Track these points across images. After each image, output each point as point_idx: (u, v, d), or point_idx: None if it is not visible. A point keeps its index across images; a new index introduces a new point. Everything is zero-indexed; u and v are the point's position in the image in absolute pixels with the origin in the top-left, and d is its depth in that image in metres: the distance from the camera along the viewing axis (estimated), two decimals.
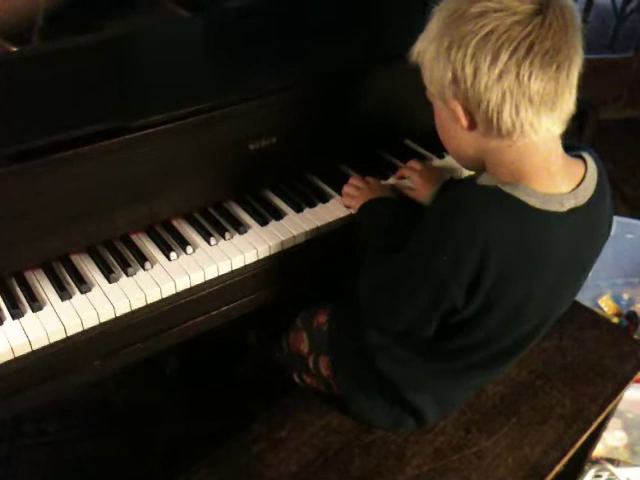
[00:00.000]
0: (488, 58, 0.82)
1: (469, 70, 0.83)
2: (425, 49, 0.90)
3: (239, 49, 1.33)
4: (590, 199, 0.93)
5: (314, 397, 1.26)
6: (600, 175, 0.97)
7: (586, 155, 0.97)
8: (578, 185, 0.93)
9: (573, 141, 0.99)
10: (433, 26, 0.88)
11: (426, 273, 0.93)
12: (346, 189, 1.26)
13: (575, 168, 0.95)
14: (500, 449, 1.19)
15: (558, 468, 1.19)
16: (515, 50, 0.81)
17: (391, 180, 1.34)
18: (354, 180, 1.27)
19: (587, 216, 0.94)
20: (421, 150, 1.43)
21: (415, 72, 0.94)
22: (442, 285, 0.92)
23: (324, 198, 1.29)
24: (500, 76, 0.82)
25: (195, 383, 1.53)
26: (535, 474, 1.16)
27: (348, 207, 1.25)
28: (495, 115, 0.85)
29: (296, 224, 1.22)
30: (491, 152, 0.91)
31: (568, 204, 0.91)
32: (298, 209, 1.25)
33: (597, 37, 3.45)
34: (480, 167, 0.96)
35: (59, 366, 1.04)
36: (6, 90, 1.16)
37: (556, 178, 0.91)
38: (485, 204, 0.89)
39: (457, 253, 0.89)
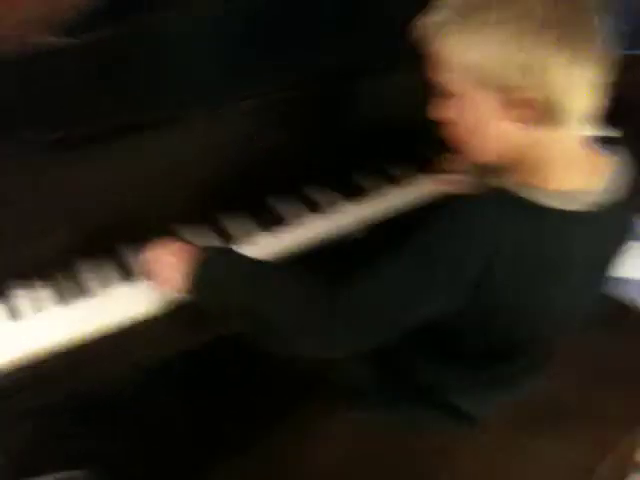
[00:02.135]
0: (554, 46, 0.79)
1: (538, 58, 0.80)
2: (467, 30, 0.83)
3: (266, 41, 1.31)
4: (616, 197, 0.91)
5: (351, 393, 1.25)
6: (630, 174, 0.94)
7: (616, 153, 0.95)
8: (604, 182, 0.90)
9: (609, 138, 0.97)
10: (450, 8, 0.84)
11: (427, 277, 0.90)
12: (152, 267, 1.04)
13: (604, 165, 0.92)
14: (548, 450, 1.16)
15: (606, 472, 1.17)
16: (585, 40, 0.80)
17: (431, 177, 1.32)
18: (152, 253, 1.05)
19: (611, 215, 0.91)
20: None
21: None
22: (441, 288, 0.89)
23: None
24: (569, 63, 0.80)
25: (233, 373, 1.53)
26: (582, 477, 1.14)
27: (169, 289, 1.02)
28: (557, 105, 0.82)
29: None
30: (524, 145, 0.87)
31: (592, 201, 0.88)
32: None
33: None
34: (499, 163, 0.93)
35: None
36: (46, 81, 1.17)
37: (583, 172, 0.89)
38: (498, 207, 0.87)
39: (465, 257, 0.87)
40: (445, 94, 0.90)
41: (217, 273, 0.99)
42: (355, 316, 0.92)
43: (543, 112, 0.83)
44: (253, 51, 1.23)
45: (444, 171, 1.31)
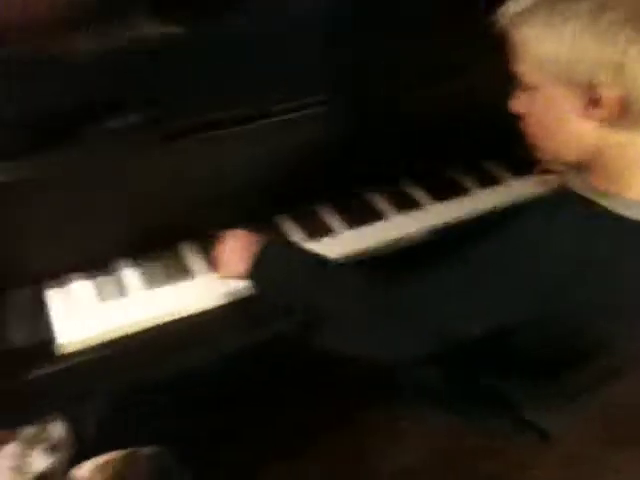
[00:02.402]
0: None
1: (631, 55, 0.73)
2: (550, 21, 0.77)
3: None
4: None
5: (433, 397, 1.24)
6: None
7: None
8: None
9: None
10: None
11: (491, 288, 0.86)
12: (217, 253, 1.07)
13: None
14: (630, 466, 1.14)
15: None
16: None
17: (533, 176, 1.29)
18: (222, 241, 1.08)
19: None
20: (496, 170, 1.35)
21: None
22: (504, 301, 0.85)
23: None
24: None
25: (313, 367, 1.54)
26: None
27: (228, 276, 1.05)
28: None
29: None
30: (604, 148, 0.81)
31: None
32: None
33: None
34: (576, 165, 0.87)
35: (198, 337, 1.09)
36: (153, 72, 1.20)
37: None
38: (572, 216, 0.83)
39: (533, 271, 0.82)
40: (523, 87, 0.85)
41: (276, 263, 1.00)
42: (413, 317, 0.90)
43: (628, 113, 0.77)
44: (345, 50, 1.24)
45: (544, 172, 1.27)
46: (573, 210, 0.83)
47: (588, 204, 0.82)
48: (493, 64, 1.17)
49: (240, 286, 1.06)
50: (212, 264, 1.09)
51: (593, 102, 0.78)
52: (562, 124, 0.83)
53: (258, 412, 1.42)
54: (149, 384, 1.33)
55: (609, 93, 0.76)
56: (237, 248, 1.04)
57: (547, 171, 1.26)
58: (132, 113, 1.09)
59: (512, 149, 1.33)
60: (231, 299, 1.07)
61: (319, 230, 1.19)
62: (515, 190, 1.28)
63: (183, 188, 1.10)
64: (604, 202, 0.82)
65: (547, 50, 0.78)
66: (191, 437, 1.42)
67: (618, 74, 0.75)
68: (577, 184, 0.85)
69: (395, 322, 0.90)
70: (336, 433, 1.17)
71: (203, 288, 1.08)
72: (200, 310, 1.06)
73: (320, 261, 1.01)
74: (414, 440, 1.15)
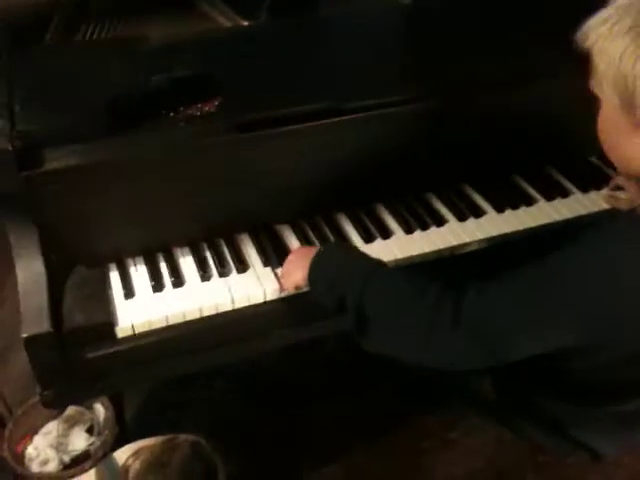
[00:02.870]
0: None
1: None
2: (608, 39, 0.76)
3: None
4: None
5: (487, 409, 1.23)
6: None
7: None
8: None
9: None
10: (625, 14, 0.75)
11: (551, 306, 0.83)
12: (283, 270, 1.08)
13: None
14: None
15: None
16: None
17: (604, 191, 1.26)
18: (289, 255, 1.09)
19: None
20: (565, 182, 1.31)
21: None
22: (565, 320, 0.82)
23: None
24: None
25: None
26: None
27: (294, 288, 1.06)
28: None
29: None
30: None
31: None
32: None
33: None
34: None
35: (247, 330, 1.09)
36: (230, 63, 1.22)
37: None
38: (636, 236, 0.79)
39: (594, 293, 0.79)
40: (595, 99, 0.84)
41: (329, 265, 1.00)
42: (476, 327, 0.87)
43: None
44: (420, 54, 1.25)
45: (617, 187, 1.25)
46: (630, 228, 0.80)
47: None
48: (568, 76, 1.18)
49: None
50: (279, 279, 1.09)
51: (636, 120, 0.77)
52: (619, 140, 0.83)
53: (308, 410, 1.43)
54: (192, 374, 1.34)
55: None
56: (297, 259, 1.05)
57: (618, 188, 1.23)
58: (210, 101, 1.10)
59: (581, 163, 1.33)
60: (283, 295, 1.08)
61: (376, 232, 1.18)
62: (583, 205, 1.25)
63: (251, 180, 1.10)
64: None
65: (604, 65, 0.77)
66: (231, 428, 1.43)
67: None
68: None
69: (457, 330, 0.87)
70: (394, 435, 1.17)
71: (258, 281, 1.08)
72: (253, 303, 1.07)
73: (377, 263, 1.00)
74: (466, 448, 1.14)
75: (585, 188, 1.28)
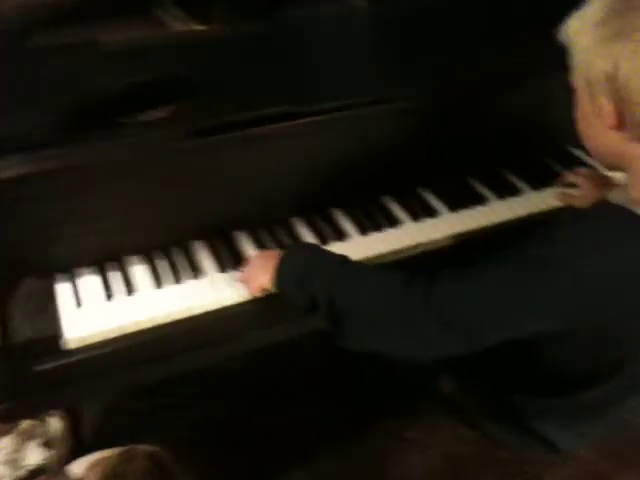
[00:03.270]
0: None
1: (631, 68, 0.74)
2: (580, 32, 0.80)
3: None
4: None
5: (444, 404, 1.24)
6: None
7: None
8: None
9: None
10: (596, 8, 0.79)
11: (521, 295, 0.85)
12: (244, 275, 1.07)
13: None
14: None
15: None
16: None
17: (556, 189, 1.28)
18: (251, 260, 1.09)
19: None
20: (517, 181, 1.33)
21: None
22: (533, 310, 0.85)
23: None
24: None
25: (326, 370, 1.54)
26: None
27: (260, 291, 1.05)
28: None
29: None
30: (630, 159, 0.82)
31: None
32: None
33: None
34: (620, 168, 0.87)
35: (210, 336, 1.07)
36: (189, 68, 1.20)
37: None
38: (608, 228, 0.82)
39: (577, 272, 0.81)
40: (574, 92, 0.87)
41: (296, 266, 1.00)
42: (448, 316, 0.88)
43: (637, 127, 0.79)
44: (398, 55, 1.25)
45: (569, 185, 1.28)
46: (614, 222, 0.82)
47: (627, 215, 0.81)
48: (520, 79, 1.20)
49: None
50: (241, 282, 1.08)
51: (600, 111, 0.80)
52: (590, 129, 0.86)
53: (264, 412, 1.42)
54: (152, 382, 1.32)
55: (605, 104, 0.79)
56: (262, 263, 1.05)
57: (570, 185, 1.26)
58: (165, 106, 1.08)
59: (533, 162, 1.35)
60: (240, 299, 1.06)
61: (332, 234, 1.18)
62: (534, 202, 1.27)
63: (205, 186, 1.09)
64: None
65: (578, 58, 0.81)
66: (193, 436, 1.42)
67: (611, 86, 0.77)
68: (618, 197, 0.84)
69: (430, 320, 0.89)
70: (351, 437, 1.17)
71: (211, 287, 1.07)
72: (205, 310, 1.05)
73: (344, 259, 1.01)
74: (424, 447, 1.15)
75: (537, 186, 1.30)
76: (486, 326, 0.89)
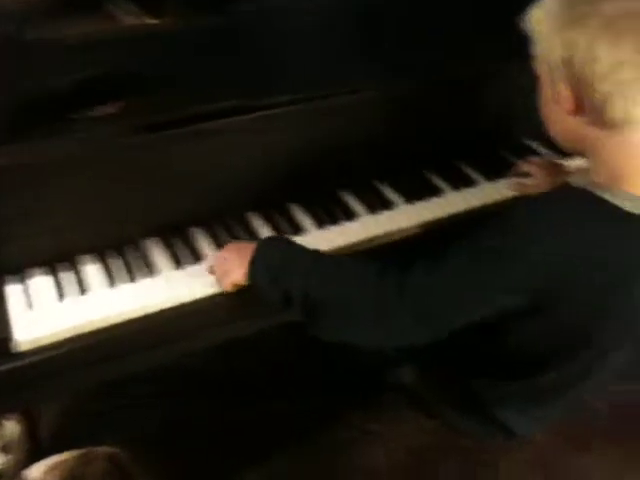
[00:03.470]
0: (608, 45, 0.76)
1: (586, 54, 0.78)
2: (540, 20, 0.84)
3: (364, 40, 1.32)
4: None
5: (407, 396, 1.24)
6: None
7: None
8: None
9: None
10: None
11: (493, 275, 0.87)
12: (218, 270, 1.05)
13: None
14: (597, 469, 1.14)
15: None
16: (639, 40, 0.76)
17: (509, 178, 1.30)
18: (223, 253, 1.07)
19: None
20: (471, 172, 1.35)
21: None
22: (505, 291, 0.87)
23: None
24: (618, 65, 0.76)
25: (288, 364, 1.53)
26: None
27: (232, 287, 1.04)
28: (605, 105, 0.79)
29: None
30: (591, 143, 0.85)
31: None
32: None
33: None
34: (581, 153, 0.90)
35: (167, 334, 1.06)
36: (135, 62, 1.18)
37: None
38: (572, 209, 0.84)
39: (532, 260, 0.83)
40: (538, 80, 0.90)
41: (271, 260, 1.00)
42: (420, 305, 0.90)
43: (593, 111, 0.81)
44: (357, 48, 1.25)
45: (523, 174, 1.29)
46: (573, 202, 0.84)
47: (589, 197, 0.83)
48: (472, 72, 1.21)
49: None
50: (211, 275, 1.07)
51: (560, 96, 0.84)
52: (551, 113, 0.89)
53: (226, 408, 1.41)
54: (109, 382, 1.30)
55: (563, 88, 0.82)
56: (233, 257, 1.03)
57: (524, 174, 1.27)
58: (116, 102, 1.06)
59: (488, 154, 1.37)
60: (196, 296, 1.05)
61: (289, 229, 1.18)
62: (488, 193, 1.28)
63: (157, 182, 1.08)
64: (605, 195, 0.83)
65: (540, 46, 0.85)
66: (153, 436, 1.40)
67: (568, 71, 0.80)
68: (580, 180, 0.87)
69: (403, 312, 0.91)
70: (314, 431, 1.16)
71: (166, 285, 1.05)
72: (160, 308, 1.03)
73: (318, 253, 1.01)
74: (387, 440, 1.15)
75: (492, 177, 1.31)
76: (450, 316, 0.91)
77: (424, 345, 0.97)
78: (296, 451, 1.15)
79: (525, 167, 1.29)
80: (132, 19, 1.34)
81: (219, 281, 1.04)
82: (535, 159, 1.30)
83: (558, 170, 1.24)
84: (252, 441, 1.32)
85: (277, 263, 0.99)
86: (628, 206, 0.82)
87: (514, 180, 1.29)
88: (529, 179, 1.28)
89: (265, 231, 1.16)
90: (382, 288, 0.92)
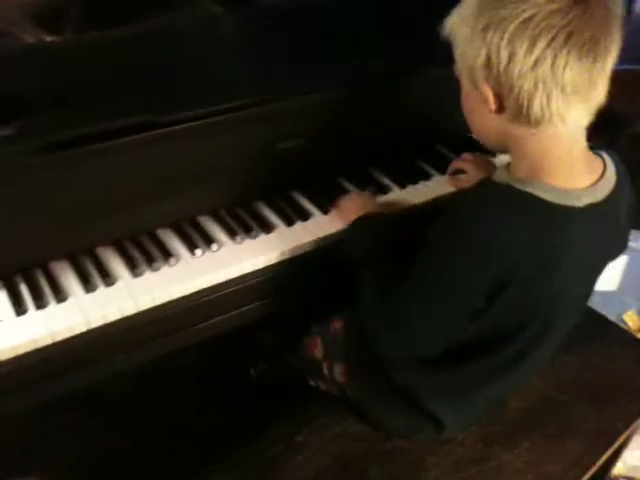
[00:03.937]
0: (525, 45, 0.79)
1: (504, 55, 0.81)
2: (458, 26, 0.87)
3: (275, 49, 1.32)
4: (608, 197, 0.91)
5: (332, 402, 1.24)
6: (619, 175, 0.95)
7: (605, 155, 0.96)
8: (597, 181, 0.91)
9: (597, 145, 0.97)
10: (469, 3, 0.86)
11: (449, 282, 0.92)
12: (341, 202, 1.23)
13: (595, 164, 0.94)
14: (521, 464, 1.17)
15: None
16: (553, 39, 0.79)
17: (446, 176, 1.36)
18: (351, 195, 1.25)
19: (605, 214, 0.92)
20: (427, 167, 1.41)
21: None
22: (465, 292, 0.91)
23: None
24: (535, 64, 0.80)
25: (209, 383, 1.52)
26: None
27: (340, 220, 1.21)
28: (526, 102, 0.83)
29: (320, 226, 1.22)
30: (515, 139, 0.89)
31: (586, 199, 0.89)
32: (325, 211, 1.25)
33: (633, 48, 3.38)
34: (504, 150, 0.95)
35: (81, 359, 1.04)
36: (36, 80, 1.15)
37: (576, 172, 0.89)
38: (496, 203, 0.87)
39: (473, 257, 0.88)
40: (459, 83, 0.94)
41: (361, 235, 1.12)
42: (406, 324, 0.97)
43: (515, 108, 0.85)
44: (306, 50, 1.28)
45: (455, 172, 1.34)
46: (496, 196, 0.88)
47: (511, 190, 0.87)
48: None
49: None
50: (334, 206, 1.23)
51: (482, 96, 0.87)
52: (475, 114, 0.94)
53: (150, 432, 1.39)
54: (35, 410, 1.27)
55: (485, 89, 0.86)
56: (356, 204, 1.20)
57: (459, 171, 1.34)
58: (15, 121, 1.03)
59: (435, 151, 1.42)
60: (108, 321, 1.03)
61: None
62: (433, 189, 1.35)
63: (64, 203, 1.06)
64: (526, 188, 0.87)
65: (457, 50, 0.89)
66: (78, 463, 1.37)
67: (488, 72, 0.84)
68: (502, 175, 0.91)
69: (397, 330, 0.98)
70: (239, 448, 1.16)
71: (80, 310, 1.02)
72: (75, 334, 1.01)
73: (377, 249, 1.08)
74: (312, 450, 1.15)
75: (427, 177, 1.38)
76: (451, 322, 0.97)
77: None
78: (222, 473, 1.14)
79: (459, 164, 1.34)
80: (29, 37, 1.31)
81: (338, 214, 1.21)
82: (466, 155, 1.35)
83: (489, 165, 1.30)
84: (178, 465, 1.30)
85: (365, 239, 1.10)
86: (549, 197, 0.86)
87: (450, 177, 1.35)
88: (463, 175, 1.33)
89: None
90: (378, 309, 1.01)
